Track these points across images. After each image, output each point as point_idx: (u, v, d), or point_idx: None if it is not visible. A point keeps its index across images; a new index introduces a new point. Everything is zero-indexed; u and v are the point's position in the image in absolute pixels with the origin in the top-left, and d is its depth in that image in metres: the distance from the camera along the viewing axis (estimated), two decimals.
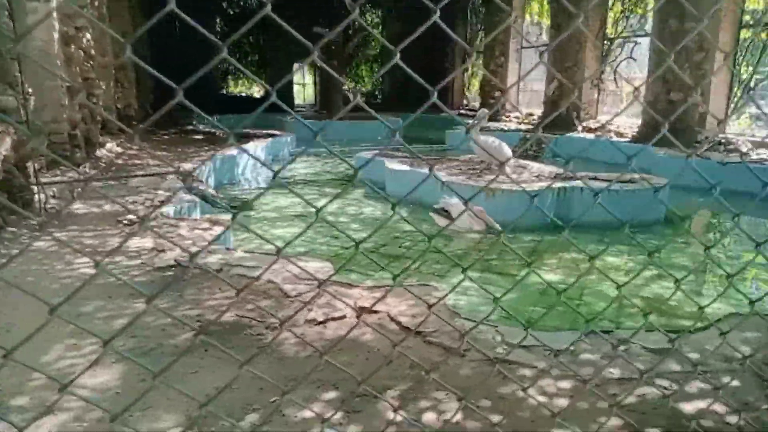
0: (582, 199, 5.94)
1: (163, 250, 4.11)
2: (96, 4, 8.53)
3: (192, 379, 2.47)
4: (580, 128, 10.69)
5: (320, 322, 3.06)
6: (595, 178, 6.39)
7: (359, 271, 4.83)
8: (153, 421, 2.16)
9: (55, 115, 6.48)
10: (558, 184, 6.14)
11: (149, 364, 2.61)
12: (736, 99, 8.75)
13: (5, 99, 4.61)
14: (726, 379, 2.39)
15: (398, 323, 3.05)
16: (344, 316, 3.14)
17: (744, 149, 7.81)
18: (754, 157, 7.63)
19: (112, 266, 3.91)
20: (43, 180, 5.82)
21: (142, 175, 6.47)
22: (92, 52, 7.90)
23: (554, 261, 4.96)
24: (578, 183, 6.12)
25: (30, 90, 5.08)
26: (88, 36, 7.80)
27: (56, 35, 6.72)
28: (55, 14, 6.79)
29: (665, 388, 2.35)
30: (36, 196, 5.04)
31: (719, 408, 2.20)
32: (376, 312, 3.17)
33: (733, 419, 2.13)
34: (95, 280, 3.14)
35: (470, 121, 11.06)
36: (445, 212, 5.24)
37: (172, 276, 3.70)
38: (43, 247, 4.25)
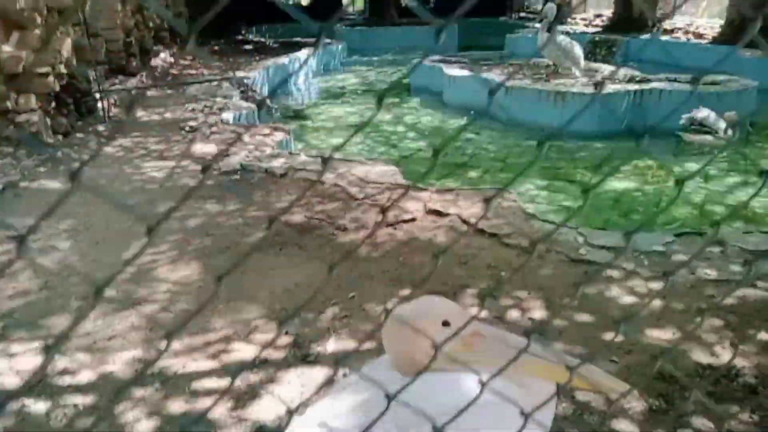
0: (660, 104, 5.49)
1: (227, 155, 4.09)
2: None
3: (271, 275, 2.48)
4: (655, 29, 9.79)
5: (391, 224, 3.00)
6: (675, 80, 5.88)
7: (421, 180, 4.70)
8: (237, 313, 2.19)
9: (110, 21, 6.39)
10: (634, 87, 5.69)
11: (226, 261, 2.63)
12: None
13: None
14: None
15: (470, 225, 2.94)
16: (414, 219, 3.06)
17: None
18: None
19: (179, 170, 3.93)
20: (104, 88, 5.85)
21: (200, 82, 6.41)
22: None
23: (628, 169, 4.67)
24: (656, 85, 5.65)
25: None
26: None
27: None
28: None
29: (767, 290, 2.19)
30: (99, 103, 5.07)
31: None
32: (447, 215, 3.08)
33: None
34: (165, 182, 3.14)
35: (536, 24, 10.31)
36: (697, 125, 4.91)
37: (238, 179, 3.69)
38: (112, 152, 4.31)
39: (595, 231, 2.79)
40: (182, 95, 6.23)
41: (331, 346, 1.97)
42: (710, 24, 9.74)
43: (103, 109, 5.03)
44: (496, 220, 2.96)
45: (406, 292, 2.35)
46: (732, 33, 8.43)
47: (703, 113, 4.88)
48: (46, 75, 4.05)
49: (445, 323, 1.03)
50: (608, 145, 5.19)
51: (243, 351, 1.97)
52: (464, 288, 2.35)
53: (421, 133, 6.30)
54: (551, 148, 5.22)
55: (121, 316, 2.19)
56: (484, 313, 2.14)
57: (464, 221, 2.98)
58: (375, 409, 0.77)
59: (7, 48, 3.80)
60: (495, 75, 6.93)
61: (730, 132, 4.88)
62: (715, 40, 8.70)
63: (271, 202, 3.29)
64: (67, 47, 4.45)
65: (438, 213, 3.10)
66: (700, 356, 1.83)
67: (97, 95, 5.08)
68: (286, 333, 2.03)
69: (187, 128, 4.85)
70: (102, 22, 6.28)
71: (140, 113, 5.41)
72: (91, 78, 5.07)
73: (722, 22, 9.24)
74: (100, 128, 4.82)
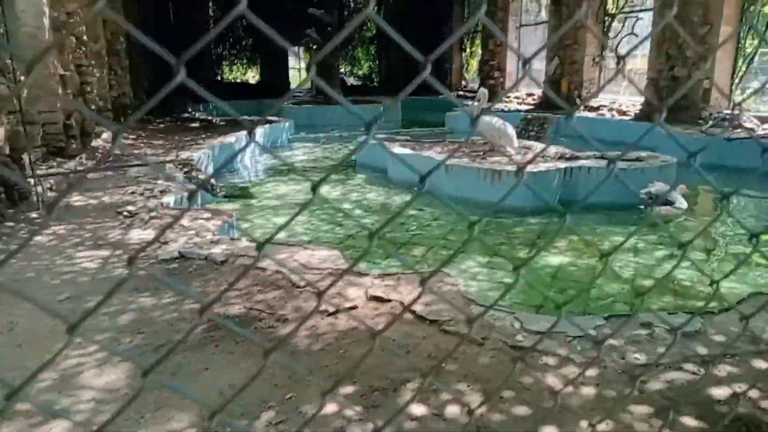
0: (588, 180, 5.84)
1: (166, 242, 4.01)
2: None
3: (205, 376, 2.38)
4: (582, 107, 10.54)
5: (331, 313, 2.98)
6: (602, 157, 6.29)
7: (366, 259, 4.74)
8: (165, 422, 2.08)
9: (50, 104, 6.33)
10: (563, 165, 6.04)
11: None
12: (740, 73, 8.62)
13: None
14: (756, 363, 2.32)
15: (413, 312, 2.96)
16: (356, 306, 3.06)
17: (749, 125, 7.70)
18: (760, 132, 7.52)
19: (113, 260, 3.81)
20: (40, 172, 5.70)
21: (141, 165, 6.34)
22: (84, 38, 7.72)
23: (563, 243, 4.87)
24: (584, 162, 6.02)
25: (22, 78, 4.93)
26: (79, 20, 7.60)
27: (47, 21, 6.54)
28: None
29: (694, 373, 2.28)
30: (33, 188, 4.92)
31: (752, 392, 2.12)
32: (388, 301, 3.09)
33: (767, 404, 2.06)
34: (98, 274, 3.03)
35: (470, 103, 10.91)
36: (653, 197, 5.14)
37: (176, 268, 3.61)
38: (43, 241, 4.15)
39: (531, 315, 2.87)
40: (123, 177, 6.14)
41: None
42: (632, 101, 10.57)
43: (37, 195, 4.88)
44: (436, 306, 3.00)
45: (348, 390, 2.31)
46: (651, 110, 9.16)
47: (660, 186, 5.24)
48: None
49: None
50: (542, 220, 5.43)
51: None
52: (405, 382, 2.34)
53: (367, 210, 6.41)
54: (490, 224, 5.41)
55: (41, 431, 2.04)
56: (422, 409, 2.13)
57: (405, 307, 2.99)
58: None
59: None
60: (435, 153, 7.22)
61: (685, 203, 5.23)
62: (637, 117, 9.43)
63: (208, 293, 3.22)
64: (0, 136, 4.36)
65: (379, 299, 3.11)
66: None
67: (32, 181, 4.94)
68: None
69: (125, 213, 4.75)
70: (41, 105, 6.21)
71: (77, 198, 5.28)
72: (26, 163, 4.94)
73: (642, 99, 10.05)
74: (33, 215, 4.65)
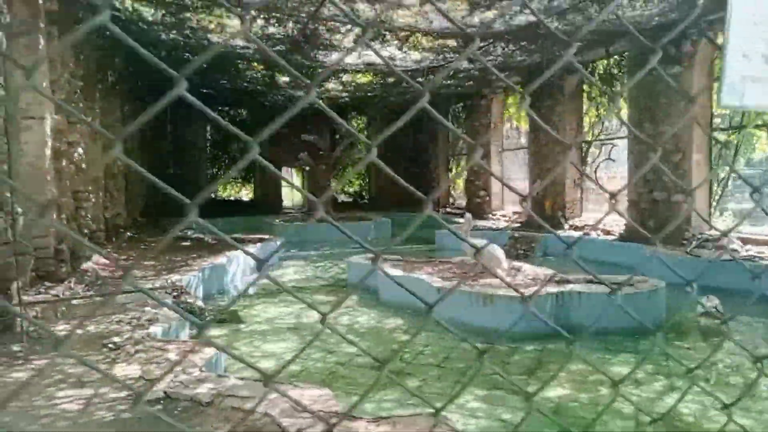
0: (581, 304, 5.84)
1: (151, 380, 3.85)
2: (89, 119, 8.73)
3: None
4: (567, 227, 10.84)
5: None
6: (591, 281, 6.35)
7: (358, 392, 4.57)
8: None
9: (43, 230, 6.37)
10: (554, 289, 6.07)
11: None
12: (717, 197, 9.01)
13: None
14: None
15: None
16: None
17: (733, 246, 7.91)
18: (743, 253, 7.71)
19: (96, 400, 3.63)
20: (26, 298, 5.60)
21: (129, 292, 6.27)
22: (83, 165, 7.97)
23: (562, 374, 4.76)
24: (575, 287, 6.06)
25: (19, 210, 5.01)
26: (80, 150, 7.90)
27: (48, 152, 6.78)
28: (48, 131, 6.90)
29: None
30: (18, 319, 4.80)
31: None
32: None
33: None
34: (79, 418, 2.88)
35: (458, 220, 11.18)
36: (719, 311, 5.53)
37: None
38: (22, 377, 3.97)
39: None
40: (110, 303, 6.03)
41: None
42: (616, 221, 10.90)
43: (20, 326, 4.75)
44: None
45: None
46: (635, 230, 9.43)
47: (714, 301, 5.80)
48: None
49: None
50: (537, 347, 5.34)
51: None
52: None
53: (359, 334, 6.29)
54: (488, 351, 5.30)
55: None
56: None
57: None
58: None
59: None
60: (425, 274, 7.25)
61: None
62: (622, 237, 9.66)
63: None
64: None
65: None
66: None
67: (18, 309, 4.84)
68: None
69: (110, 345, 4.61)
70: (35, 232, 6.25)
71: (61, 326, 5.14)
72: (13, 293, 4.87)
73: (625, 220, 10.38)
74: (15, 348, 4.50)
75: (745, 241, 8.13)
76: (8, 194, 4.79)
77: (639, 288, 6.06)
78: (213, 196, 17.38)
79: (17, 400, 3.60)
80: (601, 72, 11.23)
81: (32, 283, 6.34)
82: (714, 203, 8.96)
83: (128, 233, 10.98)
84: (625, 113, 9.85)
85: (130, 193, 12.22)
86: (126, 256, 9.24)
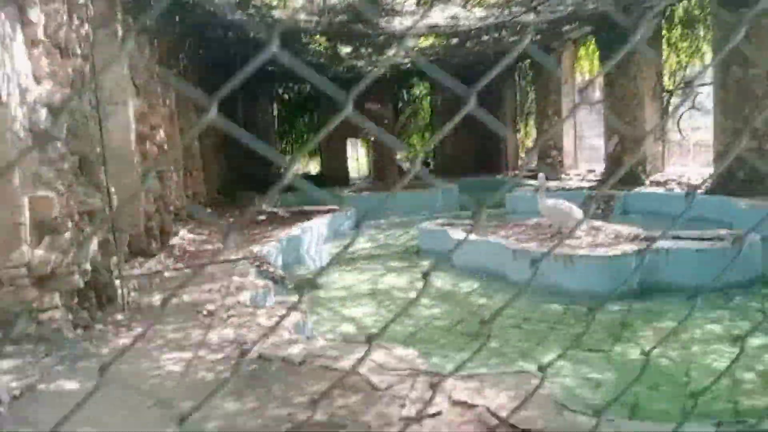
0: (668, 261, 5.58)
1: (245, 342, 4.08)
2: (167, 102, 9.14)
3: None
4: (647, 182, 10.31)
5: (416, 420, 2.89)
6: (677, 237, 6.04)
7: (439, 352, 4.64)
8: None
9: (132, 209, 6.81)
10: (639, 246, 5.83)
11: None
12: None
13: (94, 201, 4.87)
14: None
15: (500, 418, 2.83)
16: (440, 412, 2.96)
17: None
18: None
19: (196, 361, 3.89)
20: (124, 274, 6.05)
21: (217, 262, 6.61)
22: (165, 147, 8.39)
23: (649, 333, 4.61)
24: (662, 244, 5.79)
25: (113, 189, 5.36)
26: (162, 133, 8.30)
27: (133, 135, 7.18)
28: (132, 115, 7.29)
29: None
30: (119, 291, 5.19)
31: None
32: (474, 406, 2.97)
33: None
34: (183, 378, 3.10)
35: (531, 182, 10.89)
36: None
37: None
38: (127, 344, 4.31)
39: (622, 421, 2.67)
40: (199, 274, 6.39)
41: None
42: (700, 173, 10.25)
43: (122, 297, 5.14)
44: (524, 411, 2.85)
45: None
46: (722, 183, 8.84)
47: None
48: (72, 273, 4.21)
49: None
50: (622, 307, 5.18)
51: None
52: None
53: (434, 298, 6.34)
54: (567, 312, 5.21)
55: None
56: None
57: (493, 414, 2.87)
58: None
59: (39, 252, 4.00)
60: (500, 237, 7.14)
61: None
62: (708, 191, 9.09)
63: (290, 398, 3.21)
64: (93, 245, 4.69)
65: (464, 404, 3.00)
66: None
67: (117, 282, 5.23)
68: None
69: (204, 312, 4.90)
70: (127, 210, 6.69)
71: (157, 297, 5.52)
72: (112, 267, 5.26)
73: (711, 171, 9.74)
74: (119, 317, 4.88)
75: None
76: (102, 176, 5.13)
77: (731, 242, 5.71)
78: (280, 170, 17.88)
79: (126, 363, 3.93)
80: (681, 15, 10.43)
81: (127, 260, 6.82)
82: None
83: (209, 209, 11.52)
84: (709, 57, 9.15)
85: (208, 171, 12.77)
86: (208, 231, 9.73)
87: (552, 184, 11.30)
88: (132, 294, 5.50)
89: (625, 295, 5.30)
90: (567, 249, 6.05)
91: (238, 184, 13.92)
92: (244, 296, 5.23)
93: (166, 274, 6.39)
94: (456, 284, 6.72)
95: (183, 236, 8.50)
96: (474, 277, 6.70)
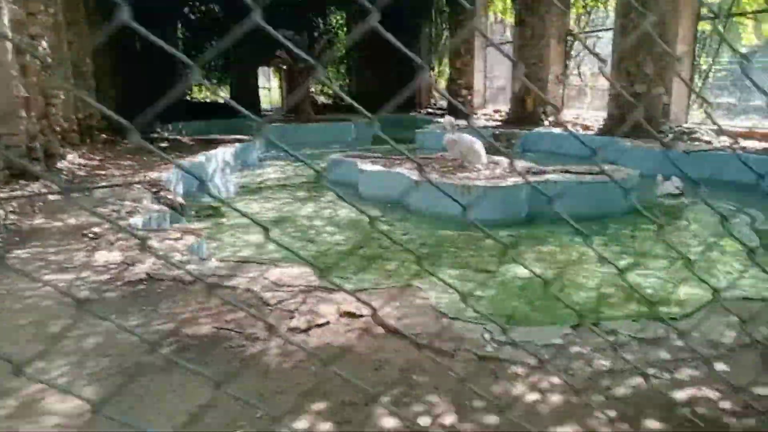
0: (556, 191, 5.96)
1: (132, 264, 3.94)
2: (51, 11, 8.21)
3: (172, 399, 2.35)
4: (547, 123, 10.81)
5: (303, 330, 2.97)
6: (566, 171, 6.45)
7: (338, 274, 4.74)
8: None
9: (12, 127, 6.20)
10: (531, 179, 6.16)
11: (124, 384, 2.48)
12: (697, 89, 8.97)
13: None
14: (716, 366, 2.40)
15: (385, 326, 2.97)
16: (328, 323, 3.05)
17: (707, 138, 8.00)
18: (717, 145, 7.82)
19: (79, 282, 3.73)
20: (2, 195, 5.57)
21: (109, 186, 6.24)
22: (49, 60, 7.61)
23: (532, 255, 4.97)
24: (551, 177, 6.16)
25: None
26: (44, 44, 7.50)
27: (9, 44, 6.43)
28: (6, 22, 6.50)
29: (657, 377, 2.35)
30: None
31: (712, 394, 2.20)
32: (360, 316, 3.10)
33: (726, 405, 2.13)
34: (62, 298, 2.97)
35: (439, 120, 11.07)
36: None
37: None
38: (5, 265, 4.03)
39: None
40: (88, 199, 6.02)
41: None
42: (595, 117, 10.88)
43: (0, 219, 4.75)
44: (407, 320, 3.02)
45: (320, 406, 2.30)
46: (613, 125, 9.45)
47: (672, 182, 6.31)
48: None
49: None
50: (511, 232, 5.52)
51: None
52: (377, 396, 2.34)
53: (339, 227, 6.41)
54: (459, 237, 5.47)
55: None
56: (394, 423, 2.13)
57: (378, 322, 3.01)
58: None
59: None
60: (406, 169, 7.27)
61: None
62: (600, 132, 9.70)
63: (177, 313, 3.18)
64: None
65: (351, 315, 3.11)
66: None
67: None
68: None
69: (90, 235, 4.66)
70: (4, 129, 6.08)
71: (40, 220, 5.16)
72: None
73: (605, 114, 10.37)
74: None
75: (718, 133, 8.21)
76: None
77: (614, 176, 6.17)
78: (187, 98, 16.86)
79: (1, 284, 3.69)
80: None
81: (7, 182, 6.27)
82: (694, 96, 8.94)
83: (103, 135, 10.74)
84: (613, 3, 9.52)
85: (103, 93, 11.81)
86: (102, 157, 9.11)
87: (461, 123, 11.53)
88: (11, 217, 5.10)
89: (515, 223, 5.65)
90: (466, 181, 6.29)
91: (137, 109, 13.01)
92: (136, 220, 5.02)
93: (51, 197, 5.96)
94: (361, 214, 6.80)
95: (73, 160, 7.91)
96: (378, 206, 6.82)
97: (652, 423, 2.05)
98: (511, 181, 6.05)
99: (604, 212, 5.77)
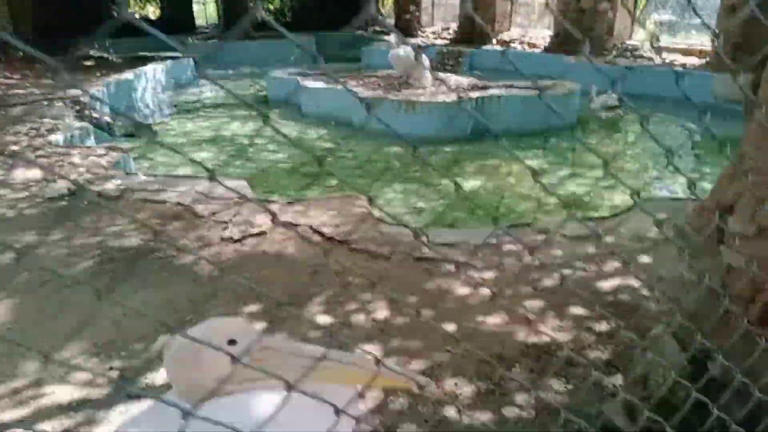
0: (500, 108, 5.93)
1: (53, 180, 3.69)
2: None
3: (97, 309, 2.25)
4: (494, 41, 10.62)
5: (237, 240, 2.88)
6: (511, 86, 6.39)
7: (280, 191, 4.62)
8: (56, 352, 1.95)
9: None
10: (476, 94, 6.09)
11: (46, 295, 2.35)
12: (641, 6, 8.94)
13: None
14: (640, 258, 2.49)
15: (321, 234, 2.93)
16: (264, 233, 2.98)
17: (649, 55, 8.07)
18: (658, 61, 7.91)
19: None
20: None
21: (25, 103, 5.76)
22: None
23: (473, 169, 4.98)
24: (495, 92, 6.10)
25: None
26: None
27: None
28: None
29: (584, 270, 2.42)
30: None
31: (635, 283, 2.28)
32: (297, 225, 3.03)
33: (646, 292, 2.22)
34: None
35: (385, 38, 10.68)
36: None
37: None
38: None
39: (438, 230, 2.91)
40: (4, 117, 5.55)
41: (162, 375, 1.82)
42: (541, 35, 10.75)
43: None
44: (345, 227, 2.97)
45: (252, 308, 2.26)
46: (559, 43, 9.38)
47: (608, 95, 6.36)
48: None
49: (231, 342, 0.99)
50: (454, 149, 5.49)
51: (58, 393, 1.75)
52: (312, 297, 2.32)
53: (280, 144, 6.20)
54: (405, 154, 5.41)
55: None
56: (328, 319, 2.13)
57: (315, 231, 2.96)
58: None
59: None
60: (350, 86, 7.04)
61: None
62: (546, 50, 9.63)
63: (101, 228, 3.01)
64: None
65: (288, 224, 3.03)
66: (525, 337, 1.96)
67: None
68: (111, 368, 1.85)
69: (6, 152, 4.32)
70: None
71: None
72: None
73: (551, 33, 10.25)
74: None
75: (660, 50, 8.30)
76: None
77: (557, 91, 6.17)
78: (114, 15, 15.49)
79: None
80: None
81: None
82: (638, 13, 8.92)
83: (21, 52, 9.82)
84: None
85: (15, 8, 10.68)
86: (20, 75, 8.37)
87: (409, 41, 11.16)
88: None
89: (459, 139, 5.61)
90: (411, 97, 6.15)
91: (59, 26, 11.90)
92: (57, 137, 4.67)
93: None
94: (304, 131, 6.61)
95: None
96: (322, 125, 6.62)
97: (576, 310, 2.12)
98: (454, 97, 5.95)
99: (546, 126, 5.80)
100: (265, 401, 0.91)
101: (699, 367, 1.16)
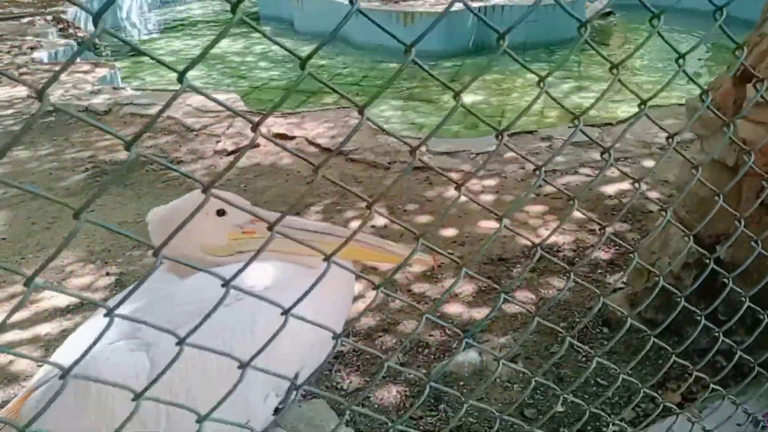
0: (503, 19, 5.65)
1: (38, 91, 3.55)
2: None
3: (93, 217, 2.20)
4: None
5: (231, 152, 2.81)
6: None
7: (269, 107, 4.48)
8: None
9: None
10: (477, 4, 5.78)
11: (38, 209, 2.31)
12: None
13: None
14: (646, 162, 2.42)
15: (317, 145, 2.85)
16: (257, 145, 2.89)
17: None
18: None
19: None
20: None
21: (5, 18, 5.49)
22: None
23: (476, 84, 4.80)
24: (498, 2, 5.80)
25: None
26: None
27: None
28: None
29: (588, 176, 2.36)
30: None
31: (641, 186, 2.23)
32: (293, 137, 2.94)
33: (652, 194, 2.18)
34: None
35: None
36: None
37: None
38: None
39: (438, 139, 2.82)
40: None
41: None
42: None
43: None
44: (341, 138, 2.89)
45: None
46: None
47: (600, 2, 6.28)
48: None
49: (221, 212, 0.94)
50: (456, 63, 5.29)
51: (56, 298, 1.74)
52: (309, 206, 2.27)
53: (273, 62, 5.98)
54: (404, 70, 5.21)
55: None
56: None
57: (310, 142, 2.87)
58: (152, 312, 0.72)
59: None
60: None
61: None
62: None
63: (91, 142, 2.93)
64: None
65: (283, 136, 2.95)
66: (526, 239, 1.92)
67: None
68: (108, 274, 1.83)
69: None
70: None
71: None
72: None
73: None
74: None
75: None
76: None
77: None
78: None
79: None
80: None
81: None
82: None
83: None
84: None
85: None
86: None
87: None
88: None
89: (460, 52, 5.39)
90: (408, 8, 5.85)
91: None
92: (40, 54, 4.47)
93: None
94: (297, 48, 6.33)
95: None
96: (315, 41, 6.33)
97: (578, 214, 2.07)
98: (456, 7, 5.65)
99: (551, 39, 5.56)
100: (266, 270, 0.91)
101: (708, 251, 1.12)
